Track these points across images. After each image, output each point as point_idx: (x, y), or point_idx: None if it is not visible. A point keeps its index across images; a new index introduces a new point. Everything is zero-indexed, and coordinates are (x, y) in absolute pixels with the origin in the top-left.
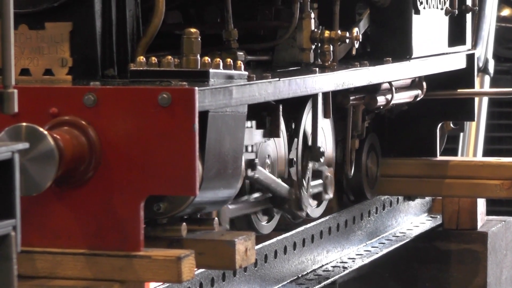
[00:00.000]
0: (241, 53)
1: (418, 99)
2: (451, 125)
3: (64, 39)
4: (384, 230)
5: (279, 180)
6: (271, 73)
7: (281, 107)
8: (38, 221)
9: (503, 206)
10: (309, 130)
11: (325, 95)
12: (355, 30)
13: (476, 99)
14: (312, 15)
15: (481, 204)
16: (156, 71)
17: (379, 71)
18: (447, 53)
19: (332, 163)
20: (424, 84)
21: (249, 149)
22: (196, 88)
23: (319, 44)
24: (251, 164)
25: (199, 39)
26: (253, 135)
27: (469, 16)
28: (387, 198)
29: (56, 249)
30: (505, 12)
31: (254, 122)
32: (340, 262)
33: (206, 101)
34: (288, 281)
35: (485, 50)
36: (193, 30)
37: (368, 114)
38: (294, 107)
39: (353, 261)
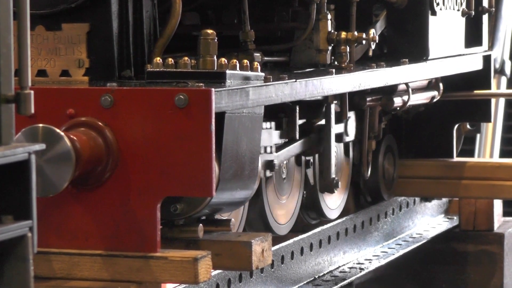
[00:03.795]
0: (258, 55)
1: (435, 100)
2: (468, 126)
3: (81, 40)
4: (400, 231)
5: None
6: (288, 74)
7: (297, 108)
8: (55, 222)
9: None
10: None
11: (342, 96)
12: (372, 31)
13: (493, 100)
14: (329, 17)
15: (498, 205)
16: (173, 72)
17: (396, 72)
18: (463, 55)
19: None
20: (441, 85)
21: (268, 150)
22: (213, 89)
23: (336, 46)
24: (269, 165)
25: (216, 40)
26: (272, 136)
27: (485, 17)
28: (403, 199)
29: (73, 250)
30: None
31: (273, 123)
32: (357, 263)
33: (223, 102)
34: (305, 282)
35: (501, 51)
36: (210, 31)
37: (385, 115)
38: (311, 108)
39: (369, 262)
